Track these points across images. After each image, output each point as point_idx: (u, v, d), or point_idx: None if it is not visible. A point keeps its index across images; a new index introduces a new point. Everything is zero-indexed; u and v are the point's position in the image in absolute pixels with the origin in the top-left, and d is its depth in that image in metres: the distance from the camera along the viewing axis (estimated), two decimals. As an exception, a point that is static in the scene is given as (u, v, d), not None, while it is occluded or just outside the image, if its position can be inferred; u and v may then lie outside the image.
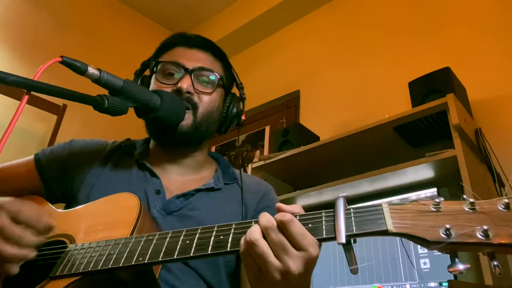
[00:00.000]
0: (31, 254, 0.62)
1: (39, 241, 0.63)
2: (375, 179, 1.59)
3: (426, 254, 1.35)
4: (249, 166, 2.05)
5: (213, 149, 3.04)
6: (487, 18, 1.90)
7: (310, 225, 0.54)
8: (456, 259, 0.47)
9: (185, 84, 0.88)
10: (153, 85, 0.93)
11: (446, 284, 1.26)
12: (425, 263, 1.34)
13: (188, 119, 0.88)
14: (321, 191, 1.74)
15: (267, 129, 2.75)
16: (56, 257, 0.69)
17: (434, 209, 0.50)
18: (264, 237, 0.53)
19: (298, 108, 2.60)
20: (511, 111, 1.65)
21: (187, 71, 0.90)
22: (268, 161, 1.95)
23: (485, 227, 0.45)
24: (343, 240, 0.50)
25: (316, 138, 2.04)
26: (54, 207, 0.86)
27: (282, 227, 0.53)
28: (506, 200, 0.47)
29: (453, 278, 1.25)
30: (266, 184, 1.02)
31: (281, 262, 0.52)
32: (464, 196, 0.50)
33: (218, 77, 0.93)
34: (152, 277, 0.69)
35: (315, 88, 2.54)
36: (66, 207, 0.89)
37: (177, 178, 0.92)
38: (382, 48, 2.26)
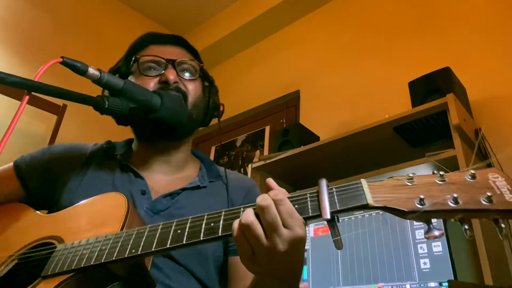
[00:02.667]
0: None
1: None
2: (375, 179, 1.59)
3: (426, 254, 1.36)
4: (249, 166, 2.05)
5: (213, 149, 3.04)
6: (487, 18, 1.90)
7: (296, 205, 0.57)
8: (431, 225, 0.51)
9: (171, 75, 0.89)
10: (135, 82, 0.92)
11: (446, 284, 1.26)
12: (425, 263, 1.34)
13: None
14: (321, 191, 1.73)
15: (267, 129, 2.76)
16: (46, 258, 0.68)
17: (408, 183, 0.54)
18: (258, 218, 0.56)
19: (298, 108, 2.60)
20: (511, 111, 1.66)
21: (170, 62, 0.90)
22: (268, 161, 1.95)
23: (455, 195, 0.50)
24: (328, 216, 0.53)
25: (316, 138, 2.04)
26: (39, 212, 0.85)
27: (275, 205, 0.55)
28: (472, 171, 0.52)
29: (452, 278, 1.25)
30: (250, 179, 1.04)
31: (269, 241, 0.55)
32: (435, 171, 0.54)
33: (199, 65, 0.95)
34: (145, 270, 0.69)
35: (315, 88, 2.54)
36: (49, 213, 0.87)
37: (162, 178, 0.92)
38: (382, 48, 2.26)
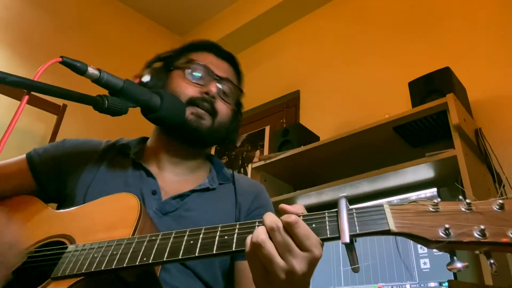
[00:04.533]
0: None
1: None
2: (375, 179, 1.59)
3: (426, 254, 1.35)
4: (249, 166, 2.05)
5: (213, 149, 3.04)
6: (487, 18, 1.90)
7: (314, 225, 0.55)
8: (455, 258, 0.48)
9: (214, 89, 0.90)
10: (175, 79, 0.93)
11: (446, 284, 1.26)
12: (425, 263, 1.34)
13: (207, 121, 0.89)
14: (321, 191, 1.74)
15: (267, 129, 2.75)
16: (56, 258, 0.68)
17: (432, 209, 0.51)
18: (270, 237, 0.54)
19: (298, 108, 2.60)
20: (511, 111, 1.65)
21: (217, 78, 0.92)
22: (268, 161, 1.95)
23: (482, 226, 0.47)
24: (347, 240, 0.51)
25: (316, 138, 2.04)
26: (50, 208, 0.85)
27: (288, 228, 0.54)
28: (501, 201, 0.49)
29: (453, 278, 1.25)
30: (258, 184, 1.04)
31: (286, 262, 0.53)
32: (460, 197, 0.51)
33: (240, 93, 0.99)
34: (154, 277, 0.68)
35: (315, 88, 2.53)
36: (59, 207, 0.88)
37: (172, 178, 0.92)
38: (382, 48, 2.26)
